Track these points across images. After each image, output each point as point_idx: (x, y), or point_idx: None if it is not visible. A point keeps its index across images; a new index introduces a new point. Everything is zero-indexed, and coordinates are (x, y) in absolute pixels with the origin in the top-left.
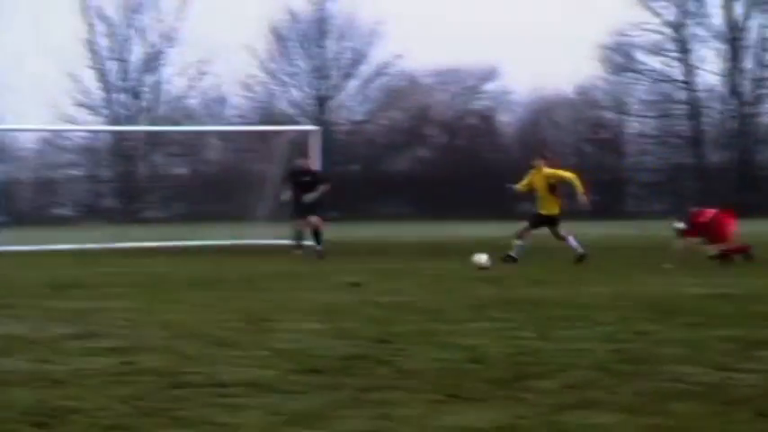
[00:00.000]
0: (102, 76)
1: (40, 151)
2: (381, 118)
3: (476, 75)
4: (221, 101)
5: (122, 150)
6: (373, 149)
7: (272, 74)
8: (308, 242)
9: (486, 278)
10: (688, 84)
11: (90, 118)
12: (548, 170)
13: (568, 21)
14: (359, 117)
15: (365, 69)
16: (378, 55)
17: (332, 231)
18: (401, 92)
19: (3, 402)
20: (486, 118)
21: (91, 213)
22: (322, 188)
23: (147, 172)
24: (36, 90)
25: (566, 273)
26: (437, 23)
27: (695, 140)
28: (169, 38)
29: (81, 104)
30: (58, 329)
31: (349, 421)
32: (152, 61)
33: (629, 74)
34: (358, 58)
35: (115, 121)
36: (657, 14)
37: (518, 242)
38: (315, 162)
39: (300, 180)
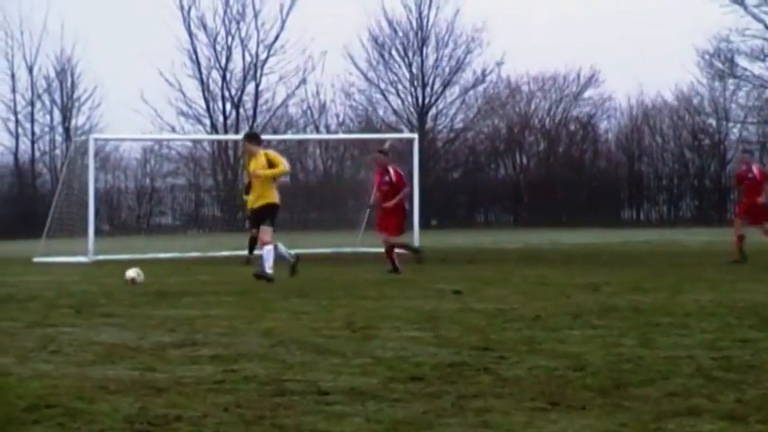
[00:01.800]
0: (204, 85)
1: (142, 160)
2: (482, 125)
3: (576, 81)
4: (321, 109)
5: (224, 159)
6: (473, 157)
7: (372, 82)
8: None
9: (587, 286)
10: None
11: (191, 127)
12: None
13: (669, 26)
14: (458, 125)
15: (465, 77)
16: (478, 62)
17: (432, 239)
18: (502, 99)
19: (106, 410)
20: (587, 125)
21: (192, 222)
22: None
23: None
24: (139, 99)
25: (667, 279)
26: (537, 30)
27: None
28: (270, 46)
29: (183, 114)
30: (160, 337)
31: (450, 429)
32: (253, 70)
33: (731, 80)
34: (458, 66)
35: (216, 129)
36: (760, 20)
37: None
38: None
39: None
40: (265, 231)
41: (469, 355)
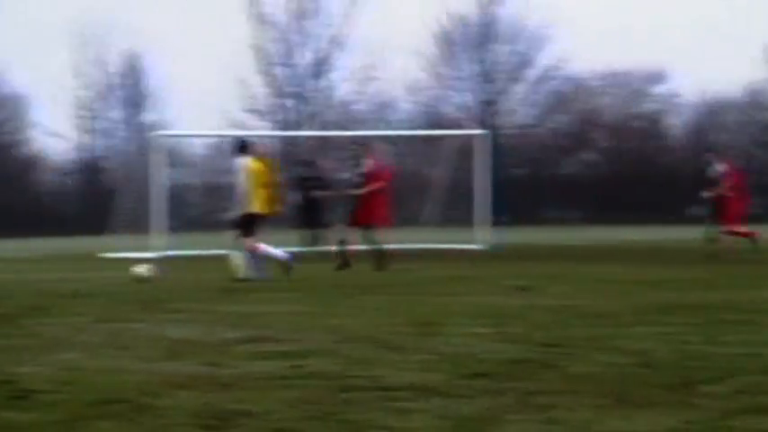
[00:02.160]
0: (271, 81)
1: (209, 156)
2: (548, 122)
3: (643, 78)
4: (389, 105)
5: (291, 155)
6: (540, 153)
7: (439, 78)
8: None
9: (653, 282)
10: None
11: (258, 123)
12: None
13: (737, 22)
14: (526, 121)
15: (532, 73)
16: (545, 58)
17: (499, 235)
18: (568, 95)
19: (172, 405)
20: (654, 121)
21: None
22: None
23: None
24: (205, 95)
25: (734, 276)
26: (604, 26)
27: None
28: (337, 42)
29: (250, 110)
30: (227, 333)
31: (516, 425)
32: (320, 66)
33: None
34: (525, 62)
35: (283, 126)
36: None
37: None
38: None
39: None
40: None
41: (534, 351)
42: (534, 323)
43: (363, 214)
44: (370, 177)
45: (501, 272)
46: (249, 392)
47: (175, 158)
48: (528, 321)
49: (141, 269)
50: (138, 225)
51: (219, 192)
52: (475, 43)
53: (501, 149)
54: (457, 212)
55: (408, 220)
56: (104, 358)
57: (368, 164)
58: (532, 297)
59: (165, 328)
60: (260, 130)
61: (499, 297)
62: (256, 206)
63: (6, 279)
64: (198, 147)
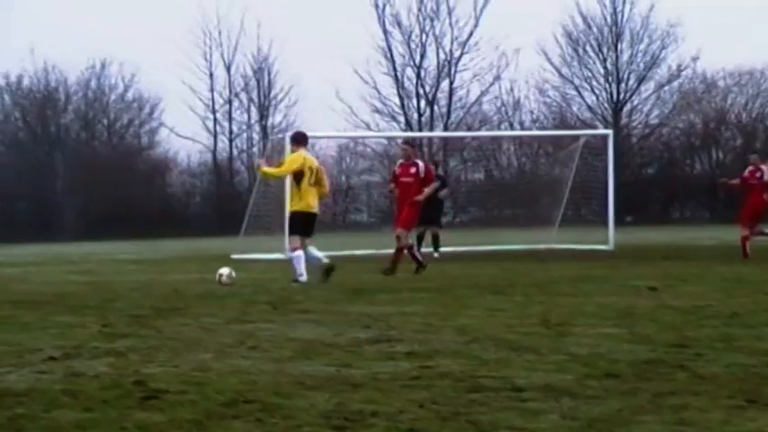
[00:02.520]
0: (398, 82)
1: (337, 158)
2: (676, 121)
3: None
4: (515, 106)
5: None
6: (668, 153)
7: (566, 78)
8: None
9: None
10: None
11: (386, 124)
12: None
13: None
14: (653, 120)
15: (660, 72)
16: (672, 58)
17: (626, 235)
18: (696, 94)
19: (303, 405)
20: None
21: (387, 219)
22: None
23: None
24: (333, 97)
25: None
26: (733, 24)
27: None
28: (464, 44)
29: (377, 111)
30: (356, 334)
31: (647, 426)
32: (447, 67)
33: None
34: (653, 61)
35: (411, 127)
36: None
37: None
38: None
39: None
40: (293, 238)
41: (665, 352)
42: (665, 324)
43: (415, 216)
44: (427, 179)
45: (629, 272)
46: (379, 393)
47: None
48: (658, 322)
49: (225, 272)
50: (269, 226)
51: (348, 193)
52: (603, 43)
53: (628, 149)
54: (584, 212)
55: (535, 220)
56: (236, 359)
57: (420, 165)
58: (662, 297)
59: (296, 328)
60: (388, 131)
61: (629, 297)
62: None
63: (142, 280)
64: (327, 148)
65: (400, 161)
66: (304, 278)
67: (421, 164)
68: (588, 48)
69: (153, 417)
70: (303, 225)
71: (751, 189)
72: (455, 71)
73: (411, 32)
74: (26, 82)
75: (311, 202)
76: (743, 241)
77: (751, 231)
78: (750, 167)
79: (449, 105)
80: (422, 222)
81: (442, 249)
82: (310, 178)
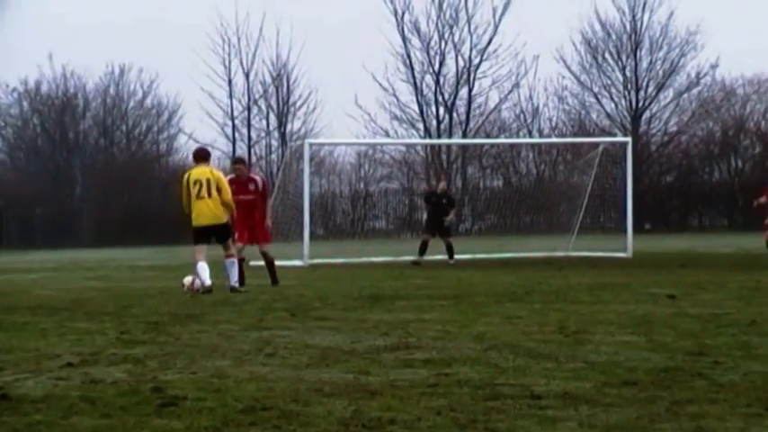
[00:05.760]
0: (418, 89)
1: (356, 165)
2: (696, 129)
3: None
4: (534, 113)
5: (437, 163)
6: (687, 161)
7: (584, 85)
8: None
9: None
10: None
11: (405, 131)
12: None
13: None
14: (672, 128)
15: (679, 80)
16: (692, 65)
17: (645, 243)
18: (716, 102)
19: (321, 412)
20: None
21: (406, 226)
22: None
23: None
24: (352, 104)
25: None
26: (752, 32)
27: None
28: (483, 51)
29: (396, 118)
30: (374, 341)
31: None
32: (466, 74)
33: None
34: (672, 69)
35: (430, 134)
36: None
37: None
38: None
39: (438, 201)
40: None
41: (683, 360)
42: (683, 331)
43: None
44: (264, 193)
45: (647, 280)
46: (397, 400)
47: (322, 167)
48: (677, 330)
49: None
50: (287, 233)
51: (366, 199)
52: (622, 50)
53: (647, 156)
54: (602, 220)
55: (553, 227)
56: (254, 365)
57: (258, 180)
58: (681, 305)
59: (313, 335)
60: (407, 138)
61: (647, 305)
62: None
63: (160, 287)
64: (345, 155)
65: (231, 177)
66: (208, 283)
67: (258, 179)
68: (607, 55)
69: (171, 424)
70: (196, 237)
71: None
72: (474, 78)
73: (430, 39)
74: (44, 88)
75: (200, 214)
76: None
77: None
78: None
79: (468, 112)
80: (432, 232)
81: (459, 257)
82: (200, 192)
